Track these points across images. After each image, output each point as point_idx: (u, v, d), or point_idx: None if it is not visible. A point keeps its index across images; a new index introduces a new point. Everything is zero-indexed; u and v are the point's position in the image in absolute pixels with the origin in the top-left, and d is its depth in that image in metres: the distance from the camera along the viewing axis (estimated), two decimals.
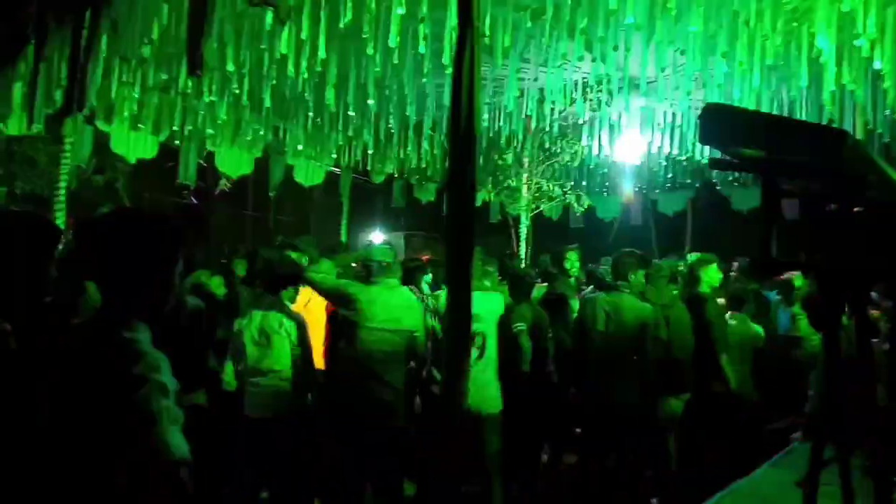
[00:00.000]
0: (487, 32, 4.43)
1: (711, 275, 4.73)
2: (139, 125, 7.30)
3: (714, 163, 1.84)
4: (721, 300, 4.91)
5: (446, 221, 2.16)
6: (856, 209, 1.80)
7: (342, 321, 3.73)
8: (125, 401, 1.28)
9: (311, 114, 6.92)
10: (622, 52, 4.90)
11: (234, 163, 8.53)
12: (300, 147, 8.20)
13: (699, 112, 1.92)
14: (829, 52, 4.60)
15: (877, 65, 4.78)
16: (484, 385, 3.86)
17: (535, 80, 5.45)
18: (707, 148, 6.54)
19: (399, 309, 3.67)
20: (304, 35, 4.49)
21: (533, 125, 7.69)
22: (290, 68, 5.00)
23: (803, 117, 6.38)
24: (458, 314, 2.04)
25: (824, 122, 6.48)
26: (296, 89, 5.90)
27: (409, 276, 4.63)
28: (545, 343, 4.35)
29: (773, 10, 4.29)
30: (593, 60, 5.16)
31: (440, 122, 7.10)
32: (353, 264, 4.69)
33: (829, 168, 1.75)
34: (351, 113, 6.33)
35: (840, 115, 6.14)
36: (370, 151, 8.29)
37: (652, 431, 4.12)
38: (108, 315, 1.38)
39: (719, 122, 1.90)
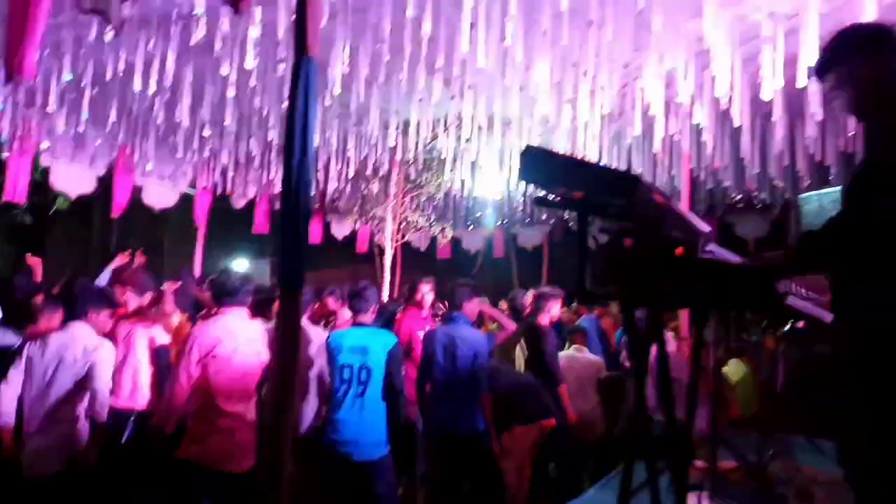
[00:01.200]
0: (347, 61, 4.48)
1: (555, 309, 5.01)
2: None
3: (537, 200, 2.00)
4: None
5: (279, 250, 2.13)
6: (650, 245, 2.01)
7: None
8: None
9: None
10: (478, 92, 5.15)
11: (74, 180, 7.82)
12: (149, 167, 7.69)
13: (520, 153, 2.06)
14: (658, 106, 5.15)
15: (696, 120, 5.42)
16: (363, 427, 3.62)
17: (397, 112, 5.56)
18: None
19: (252, 342, 3.40)
20: (150, 47, 4.26)
21: (398, 156, 7.82)
22: (137, 82, 4.73)
23: (638, 163, 7.05)
24: (287, 347, 1.99)
25: (658, 168, 7.22)
26: (143, 104, 5.57)
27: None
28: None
29: (609, 65, 4.72)
30: (451, 98, 5.37)
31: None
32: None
33: (625, 208, 1.95)
34: (206, 133, 6.08)
35: (669, 162, 6.85)
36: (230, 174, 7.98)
37: (491, 460, 4.16)
38: None
39: (537, 164, 2.05)
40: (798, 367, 4.98)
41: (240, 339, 3.26)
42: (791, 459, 4.20)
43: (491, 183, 8.49)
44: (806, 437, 4.75)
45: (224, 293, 3.36)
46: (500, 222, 12.35)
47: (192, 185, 9.03)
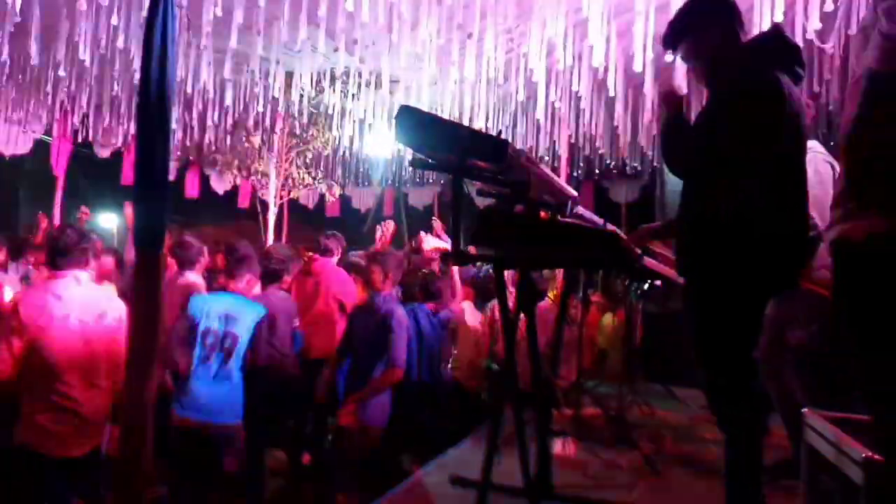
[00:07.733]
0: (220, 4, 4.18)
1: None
2: None
3: (414, 161, 2.00)
4: None
5: (134, 205, 2.00)
6: (517, 207, 2.10)
7: None
8: None
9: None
10: (362, 47, 5.02)
11: None
12: None
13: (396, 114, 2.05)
14: (540, 73, 5.28)
15: (574, 87, 5.63)
16: (221, 394, 3.43)
17: (278, 62, 5.30)
18: None
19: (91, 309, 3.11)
20: None
21: (281, 108, 7.49)
22: None
23: (523, 126, 7.25)
24: (145, 314, 1.89)
25: (539, 133, 7.46)
26: None
27: None
28: None
29: (493, 30, 4.75)
30: (335, 51, 5.19)
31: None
32: None
33: (496, 172, 2.00)
34: (62, 73, 5.47)
35: (551, 127, 7.08)
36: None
37: None
38: None
39: (412, 125, 2.05)
40: (653, 322, 5.44)
41: (74, 307, 2.85)
42: (648, 405, 4.62)
43: (380, 141, 8.37)
44: (662, 384, 5.24)
45: (57, 253, 2.86)
46: (390, 181, 12.29)
47: (48, 132, 8.18)
